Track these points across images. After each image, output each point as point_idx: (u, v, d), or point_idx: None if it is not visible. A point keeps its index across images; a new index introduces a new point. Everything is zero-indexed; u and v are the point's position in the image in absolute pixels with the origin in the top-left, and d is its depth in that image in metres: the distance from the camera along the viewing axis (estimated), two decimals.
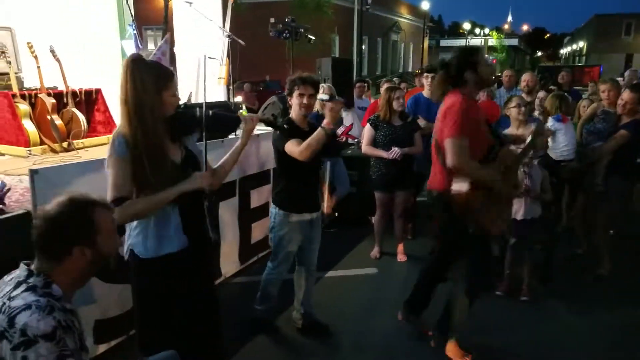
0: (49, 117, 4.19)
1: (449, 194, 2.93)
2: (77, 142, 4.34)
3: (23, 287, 1.54)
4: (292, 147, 3.04)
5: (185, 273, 2.33)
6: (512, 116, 4.08)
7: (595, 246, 4.64)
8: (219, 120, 2.50)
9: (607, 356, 3.34)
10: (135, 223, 2.26)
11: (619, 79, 11.00)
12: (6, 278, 1.65)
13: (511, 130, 4.02)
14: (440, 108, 3.03)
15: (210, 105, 3.53)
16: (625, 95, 4.24)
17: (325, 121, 2.99)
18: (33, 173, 2.61)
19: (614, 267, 4.51)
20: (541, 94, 4.94)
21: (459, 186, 2.84)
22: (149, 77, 2.12)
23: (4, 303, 1.50)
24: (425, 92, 5.34)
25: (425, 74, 5.49)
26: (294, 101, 3.20)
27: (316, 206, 3.40)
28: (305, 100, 3.16)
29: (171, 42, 5.58)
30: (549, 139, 4.39)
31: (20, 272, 1.60)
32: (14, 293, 1.52)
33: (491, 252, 3.26)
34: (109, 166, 2.12)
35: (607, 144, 4.27)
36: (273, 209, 3.35)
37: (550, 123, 4.35)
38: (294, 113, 3.26)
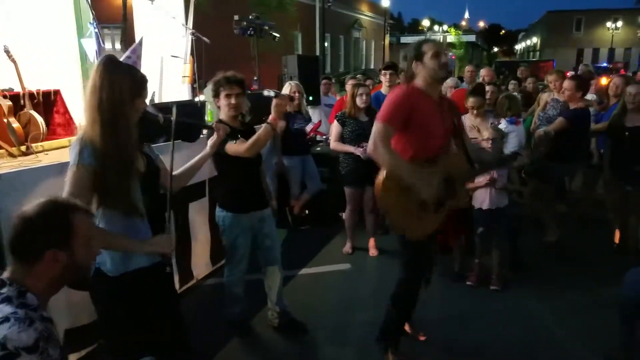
0: (5, 120, 4.00)
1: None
2: (36, 146, 4.16)
3: None
4: (236, 147, 2.99)
5: (153, 287, 2.24)
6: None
7: (541, 218, 5.01)
8: (183, 128, 2.40)
9: (579, 340, 3.42)
10: None
11: (572, 72, 11.42)
12: None
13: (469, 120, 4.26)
14: None
15: (169, 107, 3.42)
16: (566, 83, 4.83)
17: (270, 116, 3.01)
18: None
19: (580, 251, 4.68)
20: (489, 87, 5.19)
21: (380, 175, 2.74)
22: (126, 83, 2.01)
23: None
24: (383, 89, 5.42)
25: (383, 71, 5.54)
26: (222, 102, 3.16)
27: (264, 203, 3.39)
28: (233, 101, 3.14)
29: (129, 38, 5.45)
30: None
31: None
32: None
33: (423, 249, 2.96)
34: (70, 173, 1.99)
35: (545, 129, 4.65)
36: (220, 213, 3.30)
37: (503, 125, 4.45)
38: (223, 115, 3.22)
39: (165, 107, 3.85)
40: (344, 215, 5.09)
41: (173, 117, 2.26)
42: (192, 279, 4.17)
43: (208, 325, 3.51)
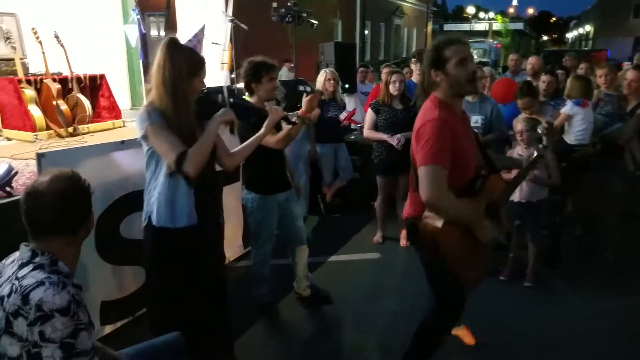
0: (54, 103, 4.23)
1: (419, 222, 2.37)
2: (82, 127, 4.38)
3: (30, 266, 1.56)
4: (268, 138, 3.04)
5: (195, 250, 2.46)
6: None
7: (604, 229, 4.68)
8: (237, 108, 2.63)
9: (612, 340, 3.34)
10: (155, 192, 2.41)
11: (627, 63, 10.82)
12: (6, 261, 1.68)
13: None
14: (418, 117, 2.37)
15: (214, 91, 3.56)
16: (630, 74, 4.33)
17: (301, 110, 3.11)
18: (40, 157, 2.65)
19: (621, 250, 4.53)
20: (545, 77, 4.86)
21: (432, 219, 2.29)
22: (185, 62, 2.27)
23: (14, 284, 1.53)
24: (414, 78, 5.37)
25: (413, 59, 5.47)
26: (266, 85, 3.23)
27: (288, 184, 3.52)
28: (275, 84, 3.30)
29: (172, 25, 5.60)
30: (565, 124, 4.35)
31: (21, 253, 1.62)
32: (21, 273, 1.55)
33: (464, 296, 2.56)
34: (152, 134, 2.26)
35: (630, 124, 4.28)
36: (248, 195, 3.42)
37: (568, 107, 4.29)
38: (260, 97, 3.28)
39: (215, 91, 3.99)
40: (376, 204, 5.12)
41: (227, 98, 2.48)
42: (224, 260, 4.30)
43: (237, 306, 3.62)
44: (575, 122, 4.28)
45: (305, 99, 3.11)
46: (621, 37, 47.01)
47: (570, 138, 4.32)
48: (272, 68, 3.25)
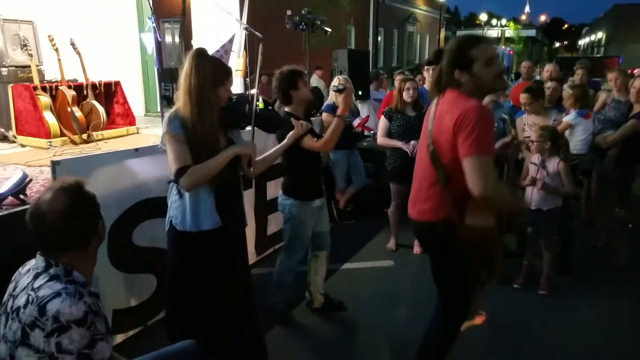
0: (69, 109, 4.26)
1: (449, 226, 2.24)
2: (96, 134, 4.41)
3: (45, 277, 1.55)
4: (312, 142, 3.18)
5: (219, 251, 2.51)
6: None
7: (617, 236, 4.65)
8: (263, 119, 2.72)
9: (627, 350, 3.29)
10: (175, 197, 2.47)
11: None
12: (22, 269, 1.67)
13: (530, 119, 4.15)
14: (438, 110, 2.30)
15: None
16: (637, 82, 4.25)
17: (340, 109, 3.21)
18: (55, 164, 2.65)
19: (634, 258, 4.46)
20: (550, 83, 4.80)
21: (481, 219, 2.13)
22: (210, 72, 2.35)
23: (29, 294, 1.52)
24: (427, 85, 5.33)
25: (426, 67, 5.45)
26: (302, 91, 3.30)
27: (322, 192, 3.55)
28: (309, 87, 3.41)
29: (187, 32, 5.64)
30: (567, 132, 4.34)
31: (37, 262, 1.61)
32: (37, 284, 1.54)
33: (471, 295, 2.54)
34: (165, 142, 2.36)
35: (616, 133, 4.28)
36: (286, 201, 3.41)
37: (571, 116, 4.28)
38: (297, 105, 3.33)
39: (244, 100, 4.04)
40: (389, 211, 5.08)
41: (255, 108, 2.60)
42: (248, 263, 4.28)
43: None
44: (577, 132, 4.30)
45: (340, 98, 3.26)
46: (633, 44, 46.63)
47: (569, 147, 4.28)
48: (303, 73, 3.36)
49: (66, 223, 1.57)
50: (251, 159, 2.62)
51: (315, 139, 3.19)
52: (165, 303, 2.76)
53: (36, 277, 1.57)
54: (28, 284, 1.57)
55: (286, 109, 3.37)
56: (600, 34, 63.23)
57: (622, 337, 3.44)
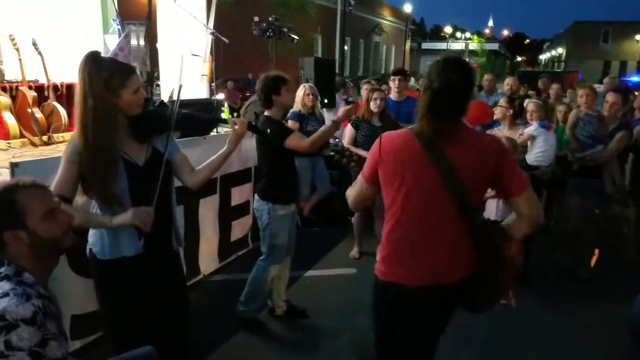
0: (29, 110, 4.15)
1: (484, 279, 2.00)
2: (57, 136, 4.30)
3: None
4: (297, 141, 3.21)
5: (144, 278, 2.27)
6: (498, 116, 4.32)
7: (579, 248, 4.77)
8: (192, 120, 2.47)
9: (591, 356, 3.42)
10: None
11: (597, 85, 11.24)
12: None
13: (501, 131, 4.24)
14: (452, 149, 1.90)
15: (186, 104, 3.52)
16: (610, 97, 4.51)
17: (338, 115, 3.35)
18: (13, 166, 2.61)
19: (594, 267, 4.63)
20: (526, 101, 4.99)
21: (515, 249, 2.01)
22: (100, 77, 2.03)
23: None
24: (393, 95, 5.43)
25: (392, 77, 5.56)
26: (285, 97, 3.36)
27: (297, 196, 3.62)
28: (292, 95, 3.49)
29: (152, 36, 5.57)
30: (528, 143, 4.47)
31: None
32: None
33: None
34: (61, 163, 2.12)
35: (613, 146, 4.41)
36: (264, 205, 3.38)
37: (533, 127, 4.42)
38: (280, 109, 3.40)
39: (185, 104, 3.97)
40: (353, 219, 5.14)
41: (175, 110, 2.31)
42: (199, 274, 4.26)
43: (211, 320, 3.59)
44: (537, 143, 4.41)
45: (343, 108, 3.32)
46: (591, 60, 48.65)
47: (530, 158, 4.44)
48: (288, 80, 3.37)
49: None
50: (143, 231, 2.16)
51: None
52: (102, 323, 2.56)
53: None
54: None
55: (266, 112, 3.39)
56: (560, 50, 65.60)
57: (584, 343, 3.56)
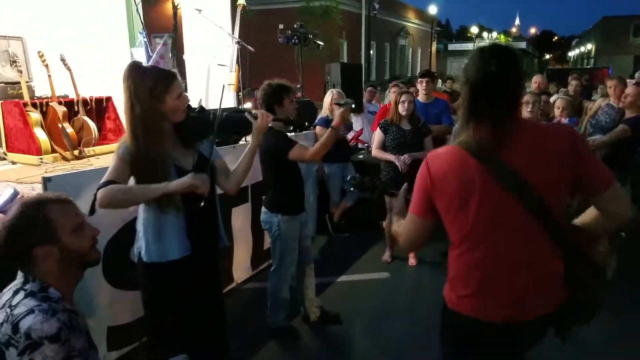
0: (60, 125, 4.21)
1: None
2: (88, 150, 4.35)
3: (21, 294, 1.54)
4: (300, 152, 3.13)
5: (190, 279, 2.34)
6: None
7: None
8: (232, 121, 2.56)
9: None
10: (141, 226, 2.31)
11: (630, 80, 10.92)
12: (7, 287, 1.64)
13: None
14: (520, 156, 1.60)
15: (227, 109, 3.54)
16: (630, 89, 4.44)
17: (334, 121, 3.18)
18: (46, 181, 2.62)
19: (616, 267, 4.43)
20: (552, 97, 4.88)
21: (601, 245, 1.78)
22: (144, 85, 2.10)
23: (7, 312, 1.51)
24: (420, 97, 5.36)
25: (419, 79, 5.49)
26: (287, 107, 3.27)
27: (304, 205, 3.53)
28: (295, 105, 3.35)
29: (179, 47, 5.64)
30: None
31: (17, 279, 1.60)
32: (14, 301, 1.53)
33: None
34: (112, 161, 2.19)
35: (605, 137, 4.35)
36: (274, 218, 3.33)
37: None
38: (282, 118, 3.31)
39: (211, 112, 4.00)
40: (384, 224, 5.06)
41: (219, 114, 2.39)
42: (232, 282, 4.25)
43: (245, 328, 3.57)
44: None
45: (338, 111, 3.19)
46: (621, 55, 47.33)
47: None
48: (292, 90, 3.30)
49: (6, 236, 1.54)
50: (202, 196, 2.22)
51: (293, 144, 3.11)
52: (145, 330, 2.65)
53: (15, 293, 1.55)
54: (7, 300, 1.55)
55: (270, 123, 3.34)
56: (589, 46, 64.03)
57: (601, 346, 3.41)
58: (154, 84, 2.11)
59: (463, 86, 1.67)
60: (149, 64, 2.19)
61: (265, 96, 3.24)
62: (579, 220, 1.76)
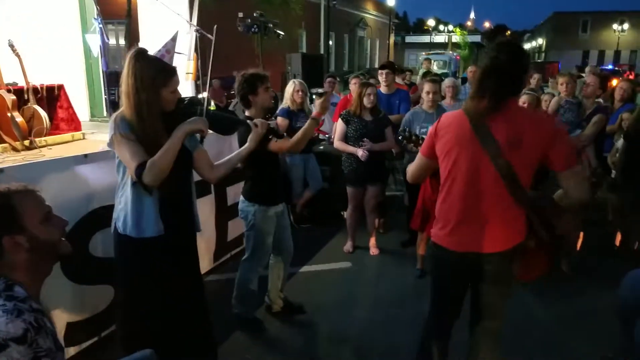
0: (9, 114, 4.04)
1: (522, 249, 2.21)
2: (39, 140, 4.20)
3: None
4: (280, 144, 3.16)
5: (166, 260, 2.42)
6: None
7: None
8: (218, 120, 2.69)
9: (579, 342, 3.41)
10: (120, 199, 2.39)
11: (581, 74, 11.41)
12: None
13: None
14: (503, 126, 2.06)
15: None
16: (590, 79, 4.86)
17: (315, 112, 3.23)
18: None
19: (580, 254, 4.65)
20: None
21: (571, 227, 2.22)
22: (148, 73, 2.22)
23: None
24: (382, 88, 5.49)
25: (380, 71, 5.59)
26: (262, 96, 3.27)
27: (283, 196, 3.53)
28: (271, 94, 3.35)
29: (133, 35, 5.49)
30: None
31: None
32: None
33: None
34: (116, 143, 2.24)
35: (589, 130, 4.59)
36: (250, 207, 3.33)
37: None
38: (259, 108, 3.30)
39: (197, 103, 3.93)
40: (346, 214, 5.10)
41: (204, 109, 2.52)
42: (199, 271, 4.18)
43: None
44: None
45: (318, 101, 3.21)
46: (571, 50, 49.23)
47: None
48: (266, 78, 3.28)
49: None
50: (203, 134, 2.44)
51: (275, 139, 3.14)
52: (117, 312, 2.67)
53: None
54: None
55: (246, 112, 3.33)
56: (540, 40, 66.21)
57: (572, 330, 3.57)
58: (155, 74, 2.23)
59: (477, 69, 2.24)
60: (154, 54, 2.30)
61: (240, 88, 3.22)
62: (556, 194, 2.24)
